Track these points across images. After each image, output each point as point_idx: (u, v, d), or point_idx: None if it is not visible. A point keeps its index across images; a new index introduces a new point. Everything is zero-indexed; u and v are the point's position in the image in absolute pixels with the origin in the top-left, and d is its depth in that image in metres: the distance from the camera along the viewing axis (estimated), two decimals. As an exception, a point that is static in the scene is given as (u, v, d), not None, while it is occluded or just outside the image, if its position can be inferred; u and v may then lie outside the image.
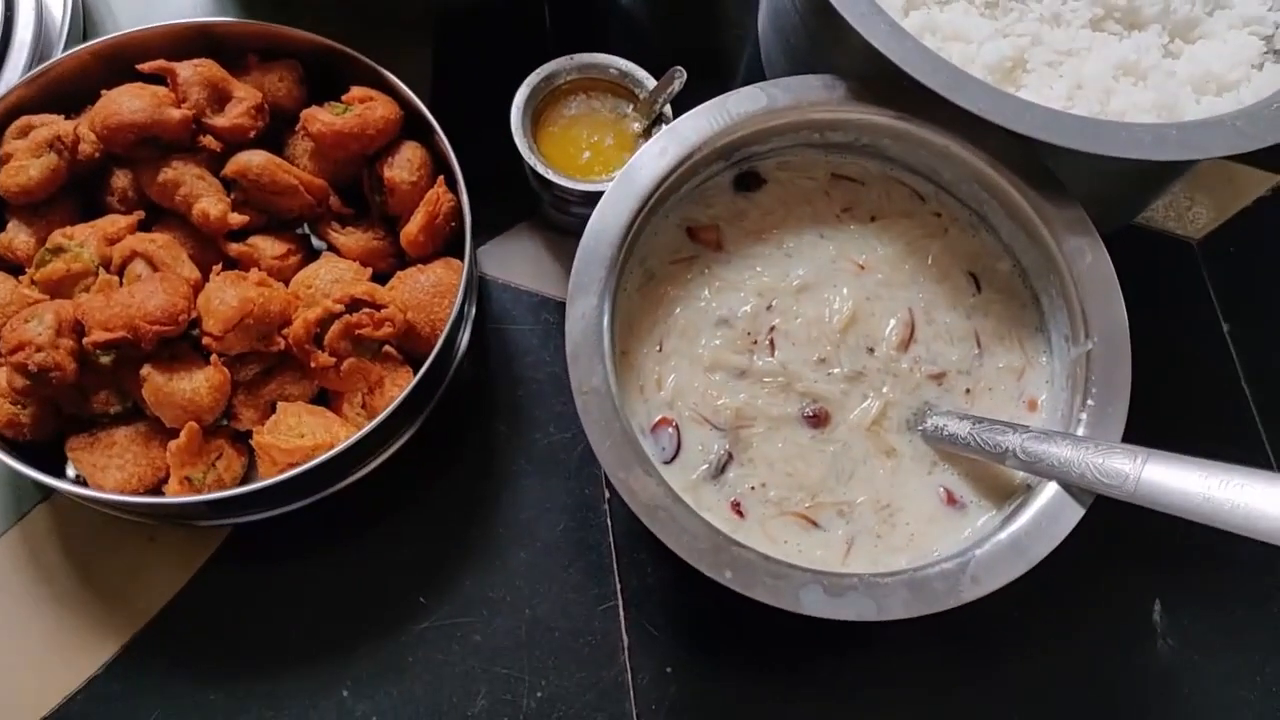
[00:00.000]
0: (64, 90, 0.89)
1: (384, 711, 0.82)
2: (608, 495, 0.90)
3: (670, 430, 0.77)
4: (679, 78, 0.90)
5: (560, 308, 0.97)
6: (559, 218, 0.98)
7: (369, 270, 0.89)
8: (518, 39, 1.07)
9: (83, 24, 0.97)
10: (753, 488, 0.75)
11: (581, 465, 0.91)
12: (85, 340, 0.77)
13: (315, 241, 0.94)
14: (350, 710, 0.82)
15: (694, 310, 0.81)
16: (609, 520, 0.89)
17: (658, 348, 0.80)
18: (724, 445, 0.76)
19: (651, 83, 0.93)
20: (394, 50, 0.91)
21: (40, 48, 0.96)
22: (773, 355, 0.79)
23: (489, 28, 1.06)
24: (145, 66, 0.86)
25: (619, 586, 0.87)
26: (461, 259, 0.88)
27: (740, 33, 1.10)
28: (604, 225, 0.77)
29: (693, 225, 0.84)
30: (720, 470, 0.76)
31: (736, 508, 0.75)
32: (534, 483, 0.90)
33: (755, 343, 0.79)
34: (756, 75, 1.06)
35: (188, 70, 0.87)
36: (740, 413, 0.77)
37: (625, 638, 0.85)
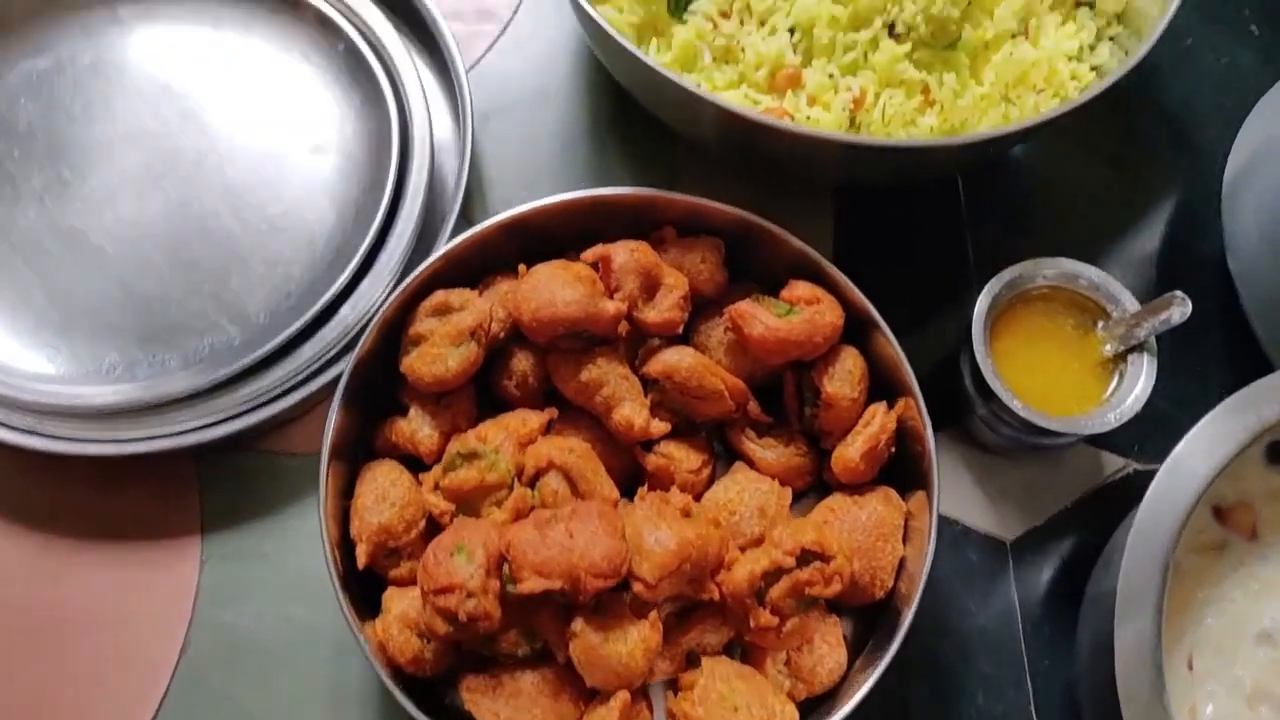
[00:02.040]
0: (469, 262, 0.80)
1: None
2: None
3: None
4: (1179, 305, 0.76)
5: (986, 543, 0.84)
6: (987, 434, 0.85)
7: (788, 492, 0.78)
8: (927, 214, 0.94)
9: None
10: None
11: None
12: (517, 588, 0.67)
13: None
14: None
15: (1228, 617, 0.66)
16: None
17: (1186, 665, 0.65)
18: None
19: (1130, 302, 0.79)
20: (790, 222, 0.81)
21: (432, 216, 0.88)
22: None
23: (896, 200, 0.94)
24: (587, 257, 0.76)
25: None
26: (898, 488, 0.76)
27: (1197, 235, 0.95)
28: (1156, 524, 0.63)
29: (1219, 504, 0.70)
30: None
31: None
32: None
33: (1314, 672, 0.65)
34: (1217, 284, 0.91)
35: (623, 256, 0.76)
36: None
37: None
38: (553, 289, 0.75)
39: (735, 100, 0.79)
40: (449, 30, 0.91)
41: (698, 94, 0.74)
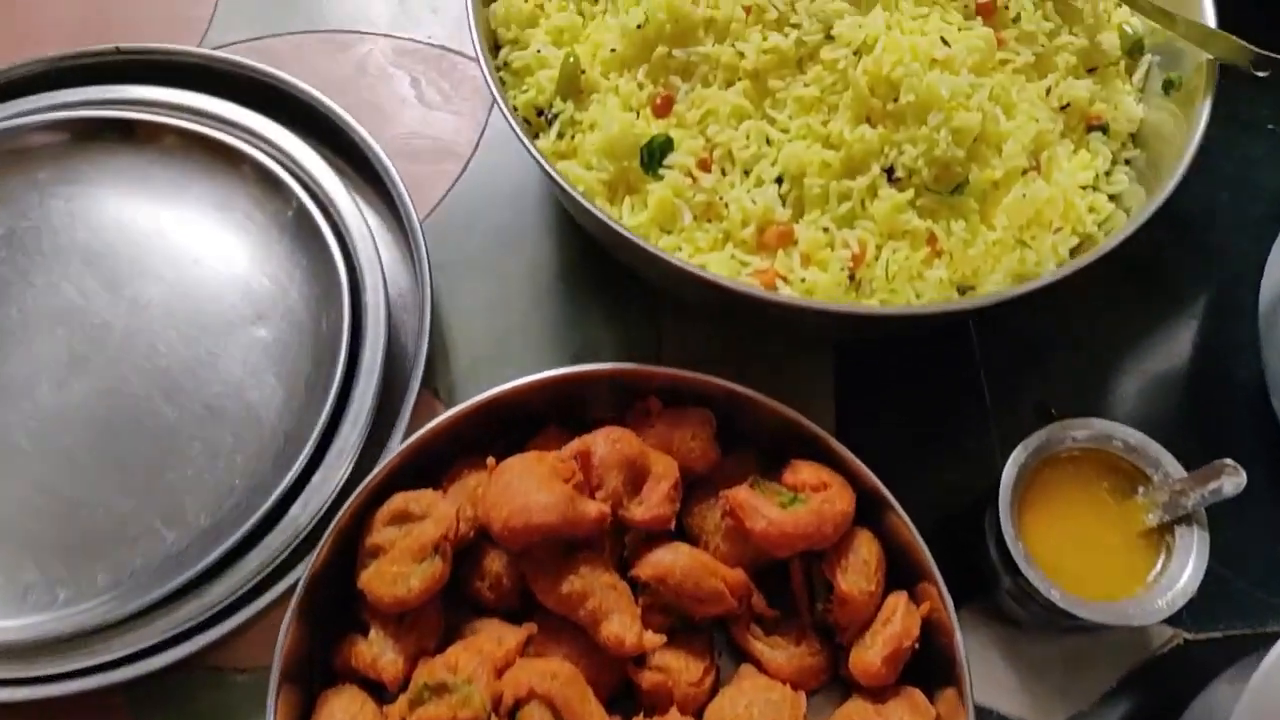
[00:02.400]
0: (433, 452, 0.71)
1: None
2: None
3: None
4: (1230, 476, 0.68)
5: (1022, 734, 0.75)
6: (1016, 610, 0.76)
7: (802, 699, 0.69)
8: (936, 354, 0.86)
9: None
10: None
11: None
12: None
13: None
14: None
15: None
16: None
17: None
18: None
19: (1173, 466, 0.71)
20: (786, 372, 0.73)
21: (391, 388, 0.79)
22: None
23: (904, 352, 0.86)
24: (564, 454, 0.67)
25: None
26: (922, 682, 0.68)
27: (1230, 359, 0.87)
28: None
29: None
30: None
31: None
32: None
33: None
34: (1257, 416, 0.83)
35: (604, 448, 0.68)
36: None
37: None
38: (526, 491, 0.66)
39: (720, 265, 0.71)
40: (401, 182, 0.83)
41: (676, 264, 0.66)
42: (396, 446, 0.75)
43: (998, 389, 0.85)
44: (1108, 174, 0.79)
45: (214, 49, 0.93)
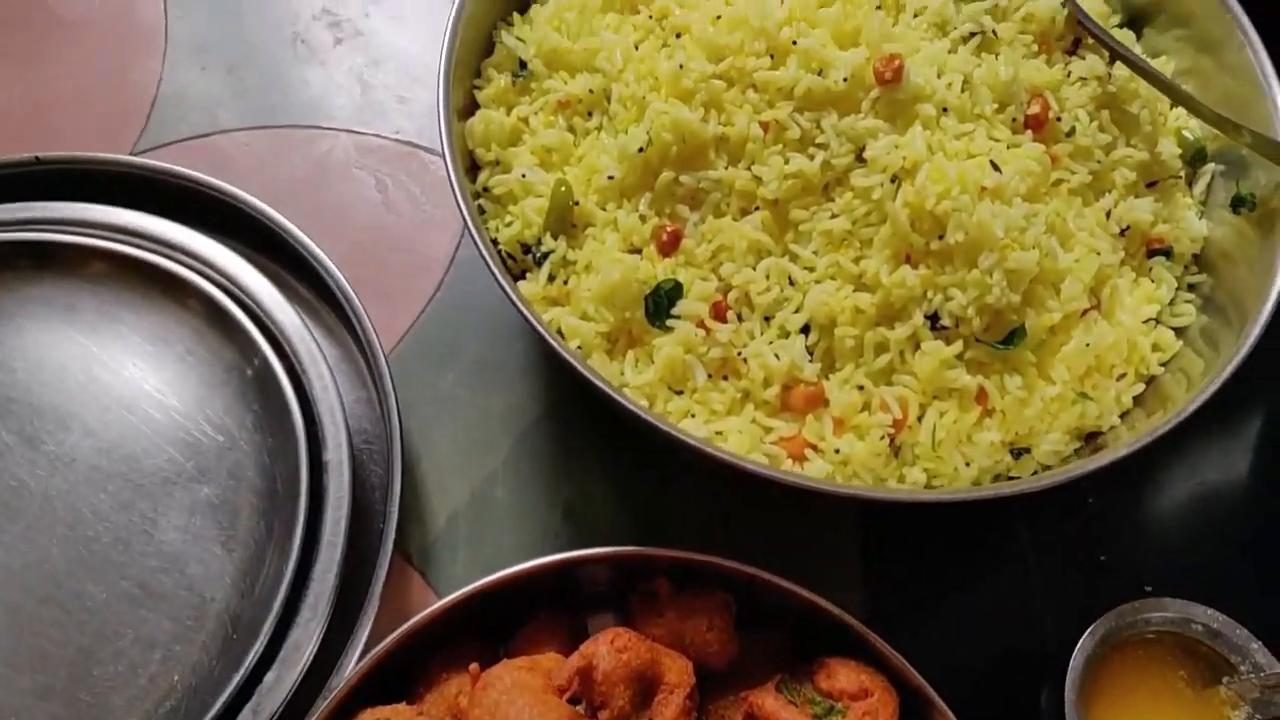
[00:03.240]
0: (407, 655, 0.61)
1: None
2: None
3: None
4: (1339, 675, 0.58)
5: None
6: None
7: None
8: (975, 518, 0.75)
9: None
10: None
11: None
12: None
13: None
14: None
15: None
16: None
17: None
18: None
19: (1263, 655, 0.62)
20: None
21: (356, 560, 0.68)
22: None
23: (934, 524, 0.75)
24: (563, 675, 0.57)
25: None
26: None
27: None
28: None
29: None
30: None
31: None
32: None
33: None
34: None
35: (608, 660, 0.57)
36: None
37: None
38: (518, 714, 0.55)
39: (740, 433, 0.61)
40: (366, 315, 0.73)
41: (680, 438, 0.56)
42: (363, 637, 0.65)
43: (1044, 558, 0.74)
44: (1170, 302, 0.70)
45: (154, 148, 0.82)
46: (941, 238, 0.61)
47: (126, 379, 0.73)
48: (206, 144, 0.85)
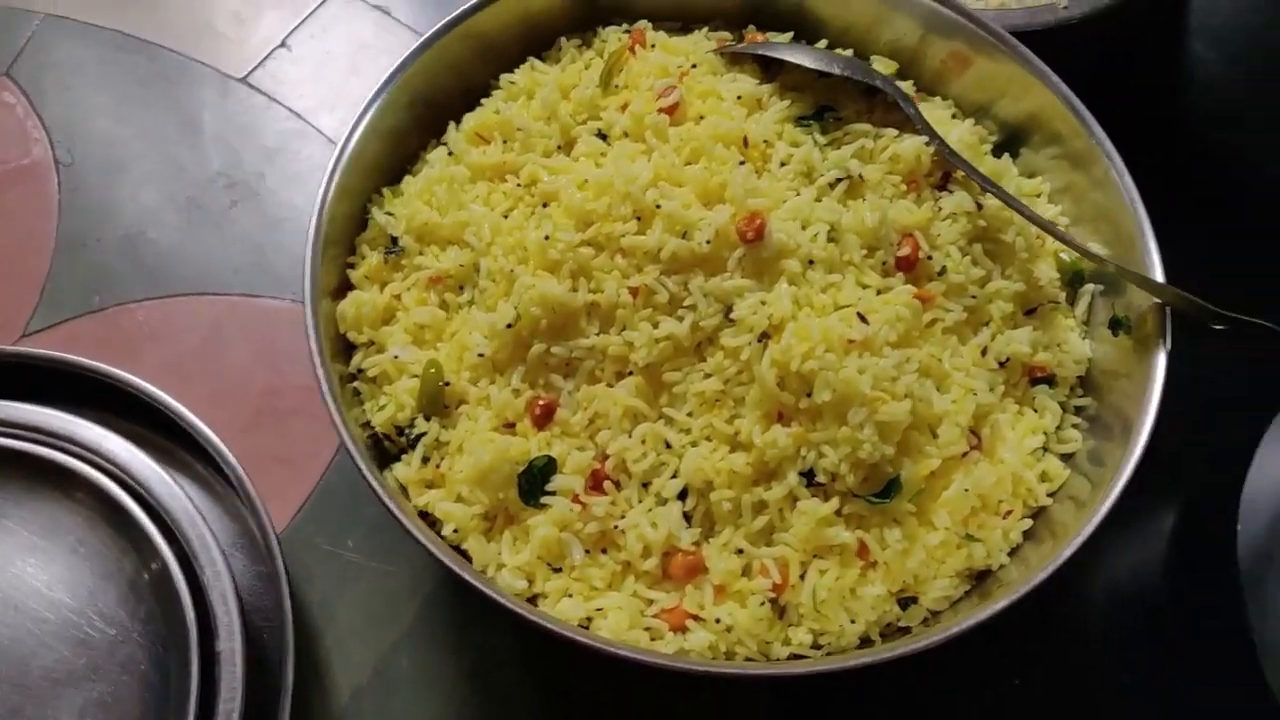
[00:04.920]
0: None
1: None
2: None
3: None
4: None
5: None
6: None
7: None
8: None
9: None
10: None
11: None
12: None
13: None
14: None
15: None
16: None
17: None
18: None
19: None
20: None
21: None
22: None
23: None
24: None
25: None
26: None
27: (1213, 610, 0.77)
28: None
29: None
30: None
31: None
32: None
33: None
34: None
35: None
36: None
37: None
38: None
39: (620, 609, 0.60)
40: (259, 499, 0.72)
41: (545, 626, 0.56)
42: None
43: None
44: (1057, 427, 0.70)
45: (47, 328, 0.82)
46: (810, 395, 0.61)
47: (14, 576, 0.72)
48: (102, 318, 0.85)
